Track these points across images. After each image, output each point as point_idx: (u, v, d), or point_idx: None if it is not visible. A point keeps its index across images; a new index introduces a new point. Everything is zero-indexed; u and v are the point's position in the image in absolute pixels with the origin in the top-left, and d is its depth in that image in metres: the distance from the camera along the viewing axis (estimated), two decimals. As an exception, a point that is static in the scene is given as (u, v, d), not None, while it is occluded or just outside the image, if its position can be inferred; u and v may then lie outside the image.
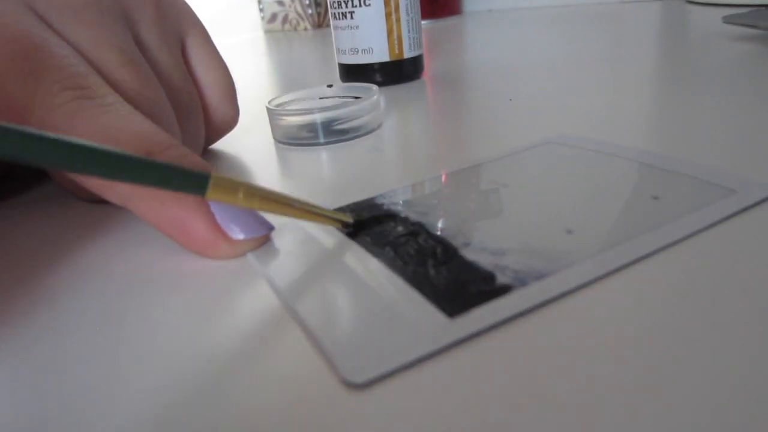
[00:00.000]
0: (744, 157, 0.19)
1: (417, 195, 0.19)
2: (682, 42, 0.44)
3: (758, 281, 0.12)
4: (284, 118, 0.28)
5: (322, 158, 0.25)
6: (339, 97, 0.31)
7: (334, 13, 0.39)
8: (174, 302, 0.15)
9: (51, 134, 0.11)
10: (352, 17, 0.38)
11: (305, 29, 0.91)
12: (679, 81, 0.31)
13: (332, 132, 0.27)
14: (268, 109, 0.28)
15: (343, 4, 0.37)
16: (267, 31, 0.94)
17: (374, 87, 0.29)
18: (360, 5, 0.37)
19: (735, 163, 0.19)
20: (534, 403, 0.10)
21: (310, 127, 0.27)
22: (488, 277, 0.13)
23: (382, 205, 0.18)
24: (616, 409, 0.09)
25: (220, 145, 0.29)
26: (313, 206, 0.16)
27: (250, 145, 0.29)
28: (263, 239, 0.17)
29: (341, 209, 0.18)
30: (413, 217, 0.17)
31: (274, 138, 0.29)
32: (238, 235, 0.16)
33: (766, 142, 0.20)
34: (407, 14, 0.38)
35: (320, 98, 0.31)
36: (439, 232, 0.16)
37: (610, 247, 0.14)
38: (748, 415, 0.09)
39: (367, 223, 0.17)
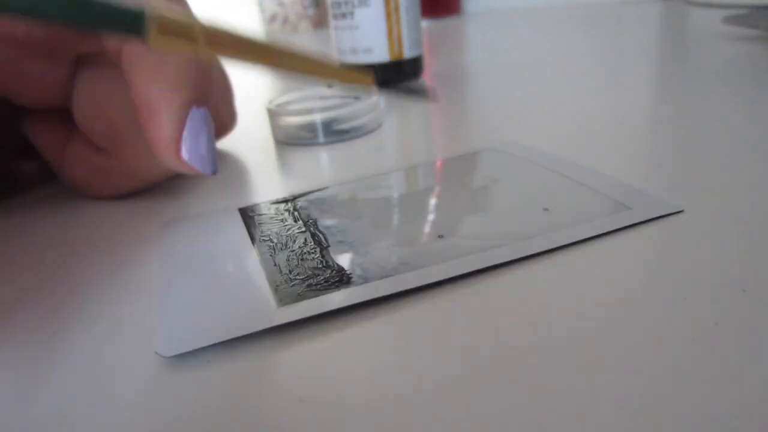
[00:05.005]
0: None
1: (335, 194, 0.20)
2: (682, 43, 0.44)
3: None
4: (284, 118, 0.28)
5: (322, 158, 0.25)
6: (339, 97, 0.31)
7: (334, 13, 0.39)
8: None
9: None
10: (352, 17, 0.37)
11: (305, 29, 0.91)
12: (679, 81, 0.31)
13: (332, 132, 0.27)
14: (268, 109, 0.28)
15: (343, 4, 0.37)
16: (267, 31, 0.94)
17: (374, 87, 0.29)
18: (360, 5, 0.37)
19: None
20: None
21: (310, 127, 0.27)
22: (339, 272, 0.14)
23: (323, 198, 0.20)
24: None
25: (221, 145, 0.29)
26: (301, 54, 0.14)
27: (250, 145, 0.29)
28: (197, 173, 0.18)
29: (291, 198, 0.20)
30: (316, 214, 0.19)
31: (274, 138, 0.29)
32: (184, 154, 0.17)
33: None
34: (407, 14, 0.38)
35: (320, 98, 0.31)
36: (322, 231, 0.17)
37: (475, 252, 0.14)
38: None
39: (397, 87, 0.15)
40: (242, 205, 0.20)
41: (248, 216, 0.19)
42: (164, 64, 0.17)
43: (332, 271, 0.15)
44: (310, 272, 0.15)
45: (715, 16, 0.50)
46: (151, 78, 0.17)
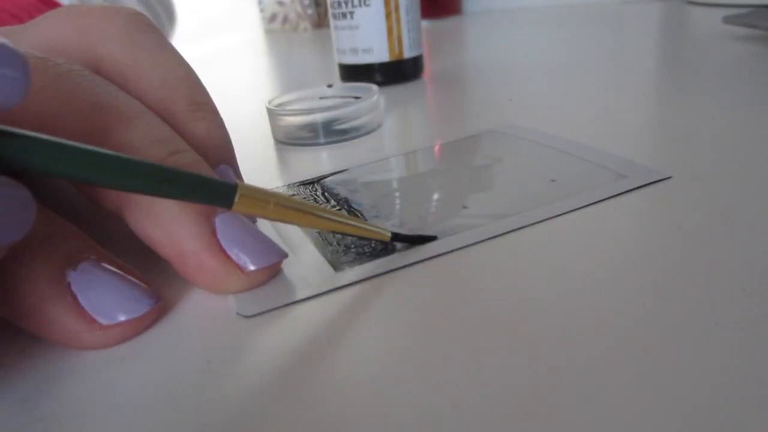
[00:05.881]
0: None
1: (354, 176, 0.22)
2: (682, 42, 0.44)
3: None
4: (284, 118, 0.28)
5: (322, 158, 0.25)
6: (339, 97, 0.31)
7: (334, 13, 0.39)
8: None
9: (71, 142, 0.11)
10: (352, 17, 0.37)
11: (305, 29, 0.91)
12: (679, 81, 0.31)
13: (332, 132, 0.27)
14: (268, 109, 0.28)
15: (343, 4, 0.37)
16: (267, 31, 0.94)
17: (374, 87, 0.29)
18: (360, 5, 0.37)
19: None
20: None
21: (310, 127, 0.27)
22: (383, 240, 0.16)
23: (326, 184, 0.22)
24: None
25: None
26: (348, 218, 0.15)
27: (250, 145, 0.29)
28: (276, 267, 0.15)
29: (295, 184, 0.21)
30: (345, 193, 0.20)
31: (274, 138, 0.29)
32: (249, 266, 0.14)
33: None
34: (407, 14, 0.38)
35: (320, 98, 0.31)
36: (357, 207, 0.19)
37: (498, 219, 0.17)
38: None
39: (405, 238, 0.16)
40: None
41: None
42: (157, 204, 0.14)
43: (376, 241, 0.16)
44: (357, 243, 0.16)
45: (715, 16, 0.50)
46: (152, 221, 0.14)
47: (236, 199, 0.13)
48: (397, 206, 0.19)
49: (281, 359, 0.12)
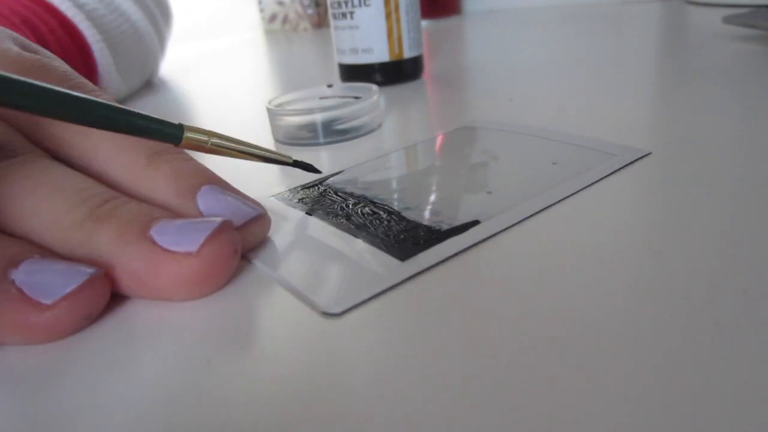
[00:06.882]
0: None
1: (358, 173, 0.23)
2: (682, 42, 0.44)
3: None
4: (284, 118, 0.28)
5: (322, 158, 0.25)
6: (339, 97, 0.31)
7: (334, 13, 0.39)
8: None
9: (26, 79, 0.13)
10: (352, 17, 0.37)
11: (305, 29, 0.91)
12: (679, 81, 0.31)
13: (332, 132, 0.27)
14: (268, 109, 0.28)
15: (343, 4, 0.37)
16: (267, 31, 0.94)
17: (374, 87, 0.29)
18: (360, 5, 0.37)
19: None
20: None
21: (310, 127, 0.27)
22: (428, 229, 0.17)
23: (333, 183, 0.22)
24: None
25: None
26: (259, 151, 0.19)
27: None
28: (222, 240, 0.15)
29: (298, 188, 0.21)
30: (357, 191, 0.21)
31: (274, 138, 0.29)
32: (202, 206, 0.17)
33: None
34: (407, 14, 0.38)
35: (320, 98, 0.31)
36: (380, 201, 0.19)
37: (521, 202, 0.18)
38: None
39: (304, 165, 0.20)
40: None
41: (288, 201, 0.21)
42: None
43: (423, 230, 0.17)
44: (406, 233, 0.17)
45: (715, 16, 0.50)
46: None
47: (184, 133, 0.16)
48: (422, 197, 0.19)
49: (281, 359, 0.12)
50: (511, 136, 0.25)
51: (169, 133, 0.16)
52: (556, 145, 0.23)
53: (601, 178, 0.19)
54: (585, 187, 0.18)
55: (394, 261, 0.15)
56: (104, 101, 0.14)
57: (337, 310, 0.14)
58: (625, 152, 0.21)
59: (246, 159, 0.19)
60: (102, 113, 0.14)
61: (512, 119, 0.27)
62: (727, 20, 0.40)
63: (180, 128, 0.16)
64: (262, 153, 0.19)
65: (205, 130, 0.17)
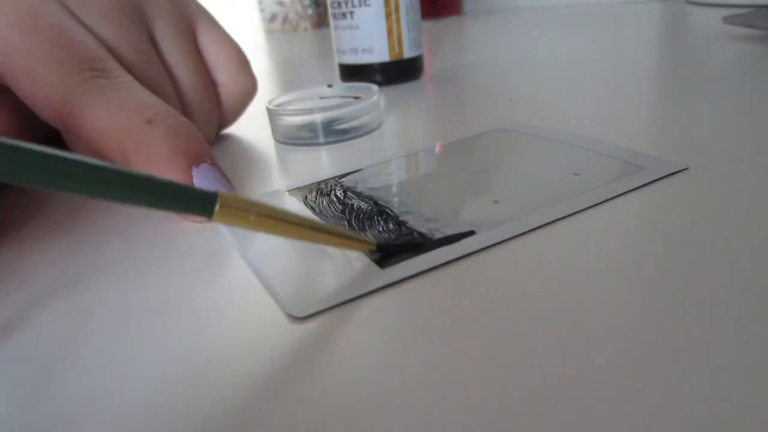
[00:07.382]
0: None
1: (372, 173, 0.22)
2: (682, 42, 0.44)
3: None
4: (284, 118, 0.28)
5: (322, 158, 0.25)
6: (339, 97, 0.31)
7: (334, 13, 0.39)
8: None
9: (45, 148, 0.10)
10: (352, 17, 0.38)
11: (305, 29, 0.91)
12: (679, 81, 0.31)
13: (332, 132, 0.27)
14: (268, 109, 0.28)
15: (343, 4, 0.37)
16: (267, 31, 0.94)
17: (374, 87, 0.29)
18: (360, 5, 0.37)
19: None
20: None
21: (310, 127, 0.27)
22: (421, 236, 0.16)
23: (342, 184, 0.21)
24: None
25: (221, 144, 0.30)
26: (333, 228, 0.15)
27: (250, 145, 0.29)
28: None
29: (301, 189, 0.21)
30: (365, 191, 0.20)
31: (274, 138, 0.29)
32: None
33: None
34: (407, 14, 0.38)
35: (320, 98, 0.31)
36: (383, 203, 0.19)
37: (529, 212, 0.17)
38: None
39: (393, 248, 0.16)
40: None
41: (297, 196, 0.21)
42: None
43: (413, 236, 0.16)
44: (398, 238, 0.16)
45: (715, 16, 0.50)
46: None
47: (216, 208, 0.12)
48: (423, 202, 0.19)
49: (282, 359, 0.12)
50: (530, 140, 0.23)
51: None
52: (575, 152, 0.21)
53: (623, 193, 0.17)
54: (602, 202, 0.17)
55: (375, 267, 0.15)
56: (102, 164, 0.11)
57: (301, 314, 0.13)
58: (658, 165, 0.19)
59: (314, 242, 0.14)
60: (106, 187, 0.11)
61: (512, 119, 0.27)
62: (727, 20, 0.40)
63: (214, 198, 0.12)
64: (337, 231, 0.15)
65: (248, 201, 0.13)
